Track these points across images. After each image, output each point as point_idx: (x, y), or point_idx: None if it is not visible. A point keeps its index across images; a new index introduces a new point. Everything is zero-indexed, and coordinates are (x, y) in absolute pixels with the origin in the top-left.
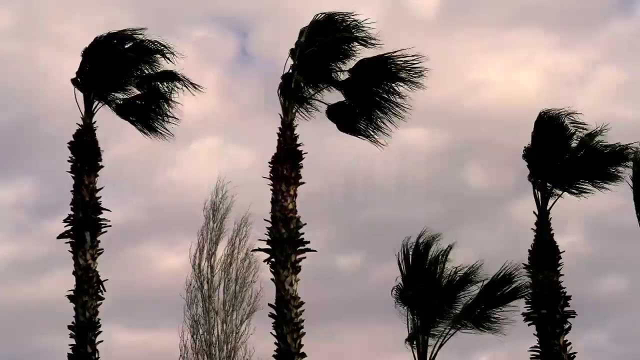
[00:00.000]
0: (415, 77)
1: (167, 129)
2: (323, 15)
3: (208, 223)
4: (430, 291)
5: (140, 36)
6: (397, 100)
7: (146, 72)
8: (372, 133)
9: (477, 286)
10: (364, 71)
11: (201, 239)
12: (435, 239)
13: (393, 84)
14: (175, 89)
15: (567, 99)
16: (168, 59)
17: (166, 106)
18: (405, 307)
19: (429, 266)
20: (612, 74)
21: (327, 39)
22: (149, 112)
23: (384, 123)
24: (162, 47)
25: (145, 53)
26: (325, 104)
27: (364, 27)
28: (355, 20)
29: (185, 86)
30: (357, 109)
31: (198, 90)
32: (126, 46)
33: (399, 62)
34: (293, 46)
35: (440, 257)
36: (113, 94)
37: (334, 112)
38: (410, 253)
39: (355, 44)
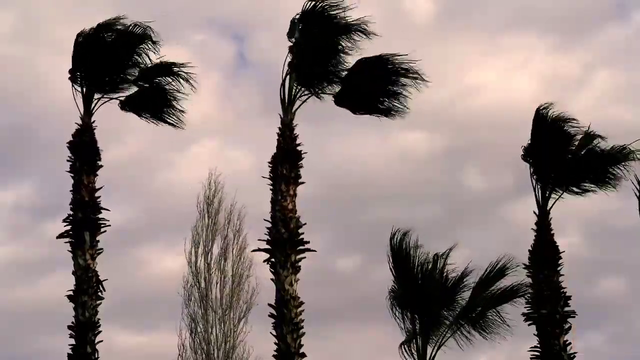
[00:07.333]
0: (417, 79)
1: (178, 118)
2: (312, 3)
3: (202, 218)
4: (424, 292)
5: (121, 27)
6: (400, 92)
7: (142, 65)
8: (389, 106)
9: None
10: (365, 67)
11: (196, 235)
12: (409, 235)
13: (396, 79)
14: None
15: (564, 101)
16: (153, 40)
17: (172, 104)
18: (401, 311)
19: (419, 266)
20: (609, 77)
21: (325, 33)
22: (155, 104)
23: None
24: (147, 29)
25: (134, 41)
26: (332, 94)
27: (358, 24)
28: (347, 14)
29: (186, 79)
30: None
31: (193, 89)
32: (112, 39)
33: (398, 63)
34: (291, 44)
35: (436, 257)
36: (111, 94)
37: (342, 98)
38: (397, 252)
39: (354, 39)
